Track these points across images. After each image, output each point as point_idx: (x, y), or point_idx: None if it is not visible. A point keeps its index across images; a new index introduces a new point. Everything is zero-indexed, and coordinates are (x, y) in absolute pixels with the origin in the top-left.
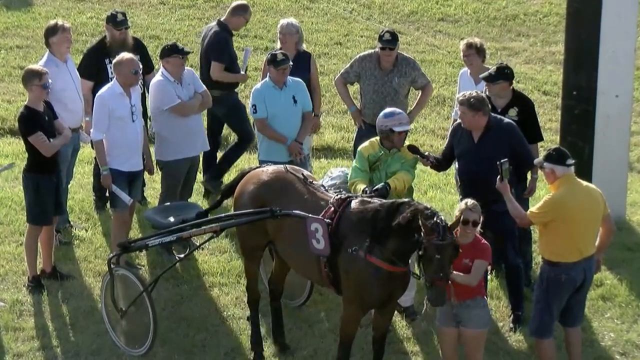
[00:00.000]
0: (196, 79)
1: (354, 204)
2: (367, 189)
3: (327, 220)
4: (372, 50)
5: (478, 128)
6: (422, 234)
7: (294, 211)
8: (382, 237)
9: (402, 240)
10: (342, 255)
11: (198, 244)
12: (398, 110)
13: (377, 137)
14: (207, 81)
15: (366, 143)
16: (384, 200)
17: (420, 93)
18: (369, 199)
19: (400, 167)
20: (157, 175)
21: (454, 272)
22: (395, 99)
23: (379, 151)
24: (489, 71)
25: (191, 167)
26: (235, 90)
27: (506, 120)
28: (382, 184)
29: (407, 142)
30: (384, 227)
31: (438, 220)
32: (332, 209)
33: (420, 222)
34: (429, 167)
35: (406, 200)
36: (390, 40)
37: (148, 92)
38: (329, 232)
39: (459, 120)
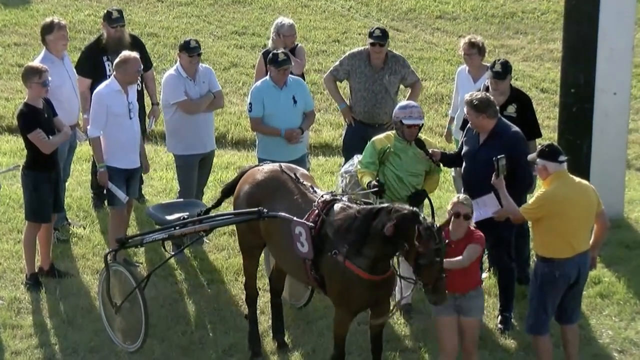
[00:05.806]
0: (213, 77)
1: (337, 207)
2: (370, 182)
3: (310, 224)
4: (362, 48)
5: (483, 130)
6: (415, 241)
7: (279, 213)
8: (360, 245)
9: (383, 246)
10: (324, 259)
11: (192, 241)
12: (414, 103)
13: (394, 131)
14: None
15: (381, 135)
16: (363, 206)
17: (410, 91)
18: (351, 204)
19: (427, 167)
20: (156, 173)
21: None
22: (386, 97)
23: (395, 142)
24: (495, 69)
25: (202, 163)
26: None
27: (514, 129)
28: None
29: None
30: (362, 235)
31: (433, 228)
32: (316, 211)
33: (416, 231)
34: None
35: (385, 205)
36: (380, 37)
37: (145, 88)
38: (312, 236)
39: None
